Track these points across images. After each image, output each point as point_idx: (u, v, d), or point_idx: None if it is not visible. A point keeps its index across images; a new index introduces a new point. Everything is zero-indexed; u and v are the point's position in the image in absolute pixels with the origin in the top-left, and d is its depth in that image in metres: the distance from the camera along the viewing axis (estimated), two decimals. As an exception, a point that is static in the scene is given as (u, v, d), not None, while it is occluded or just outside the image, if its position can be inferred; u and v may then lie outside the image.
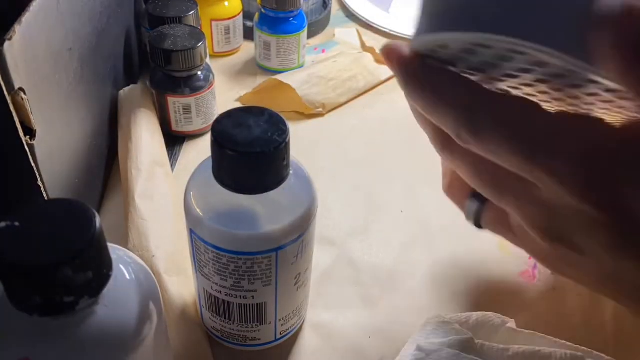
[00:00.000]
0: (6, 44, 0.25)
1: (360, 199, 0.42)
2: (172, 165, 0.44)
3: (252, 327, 0.31)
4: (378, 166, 0.45)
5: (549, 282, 0.37)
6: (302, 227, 0.27)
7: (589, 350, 0.29)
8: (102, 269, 0.20)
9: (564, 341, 0.30)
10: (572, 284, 0.36)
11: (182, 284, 0.34)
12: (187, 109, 0.45)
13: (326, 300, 0.35)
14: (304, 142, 0.47)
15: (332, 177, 0.44)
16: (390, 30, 0.60)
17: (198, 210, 0.27)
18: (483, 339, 0.30)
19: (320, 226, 0.39)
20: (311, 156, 0.45)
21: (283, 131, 0.25)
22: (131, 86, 0.46)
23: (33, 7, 0.28)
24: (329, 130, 0.48)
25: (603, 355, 0.29)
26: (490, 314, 0.31)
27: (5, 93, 0.26)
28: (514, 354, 0.28)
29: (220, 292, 0.29)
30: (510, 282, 0.36)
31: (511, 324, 0.31)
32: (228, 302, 0.29)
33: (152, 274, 0.24)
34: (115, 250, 0.23)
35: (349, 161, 0.45)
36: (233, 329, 0.31)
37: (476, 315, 0.31)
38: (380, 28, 0.61)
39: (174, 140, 0.46)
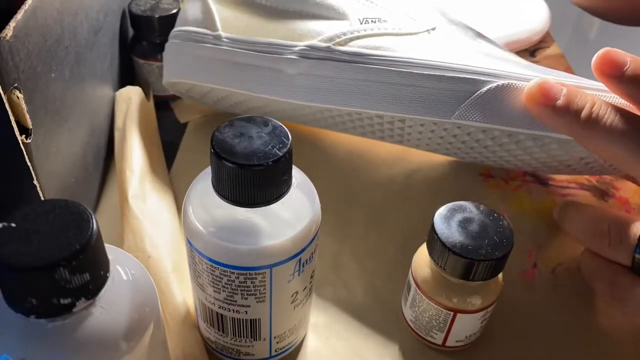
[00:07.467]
0: (2, 42, 0.25)
1: (360, 199, 0.42)
2: (169, 166, 0.44)
3: (246, 342, 0.30)
4: (378, 166, 0.45)
5: (548, 281, 0.37)
6: (300, 245, 0.26)
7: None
8: (99, 271, 0.20)
9: None
10: (572, 284, 0.36)
11: (179, 284, 0.33)
12: None
13: (326, 300, 0.35)
14: (304, 144, 0.47)
15: (331, 177, 0.44)
16: (388, 30, 0.60)
17: (195, 221, 0.26)
18: None
19: (320, 226, 0.39)
20: (310, 157, 0.45)
21: (285, 144, 0.24)
22: (127, 87, 0.45)
23: (29, 5, 0.28)
24: (329, 131, 0.48)
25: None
26: None
27: (1, 91, 0.25)
28: None
29: (214, 304, 0.28)
30: (511, 281, 0.36)
31: None
32: (221, 315, 0.28)
33: (149, 275, 0.24)
34: (112, 251, 0.23)
35: (349, 162, 0.45)
36: (227, 342, 0.30)
37: None
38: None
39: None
